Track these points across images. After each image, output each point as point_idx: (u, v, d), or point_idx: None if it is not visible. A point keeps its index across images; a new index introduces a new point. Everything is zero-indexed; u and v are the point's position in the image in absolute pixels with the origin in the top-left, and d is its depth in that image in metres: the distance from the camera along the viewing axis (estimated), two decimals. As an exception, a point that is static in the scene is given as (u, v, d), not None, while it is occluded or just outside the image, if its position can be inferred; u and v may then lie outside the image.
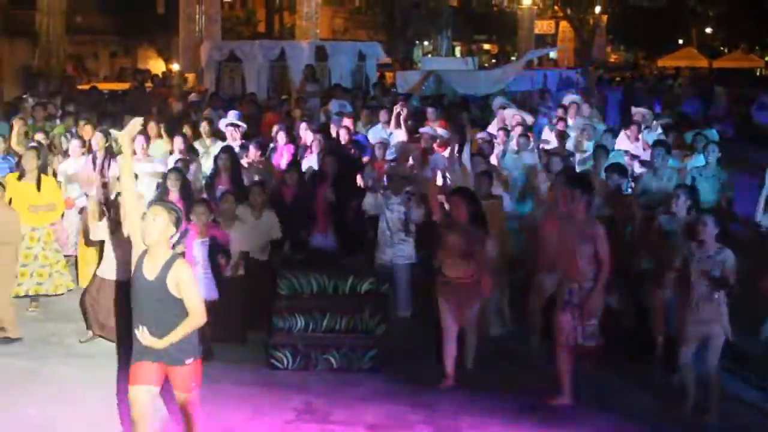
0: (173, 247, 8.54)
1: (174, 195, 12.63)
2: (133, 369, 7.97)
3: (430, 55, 47.63)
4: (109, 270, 11.71)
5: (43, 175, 13.12)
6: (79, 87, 25.21)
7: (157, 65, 40.23)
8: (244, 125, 16.92)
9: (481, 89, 26.14)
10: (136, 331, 7.82)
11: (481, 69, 34.39)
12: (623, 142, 17.23)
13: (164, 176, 13.32)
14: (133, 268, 7.92)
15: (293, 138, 17.07)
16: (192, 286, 7.82)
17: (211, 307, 11.39)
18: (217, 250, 11.54)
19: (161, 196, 12.64)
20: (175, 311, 7.78)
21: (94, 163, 14.52)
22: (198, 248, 11.39)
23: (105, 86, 28.96)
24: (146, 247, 7.81)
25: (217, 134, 16.94)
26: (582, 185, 10.33)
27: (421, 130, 16.67)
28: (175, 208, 7.96)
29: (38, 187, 12.98)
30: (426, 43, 52.98)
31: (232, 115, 17.45)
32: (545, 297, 11.36)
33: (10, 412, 9.78)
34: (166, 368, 7.96)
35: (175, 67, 34.83)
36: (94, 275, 12.15)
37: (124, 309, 8.62)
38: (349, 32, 49.79)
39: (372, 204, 13.23)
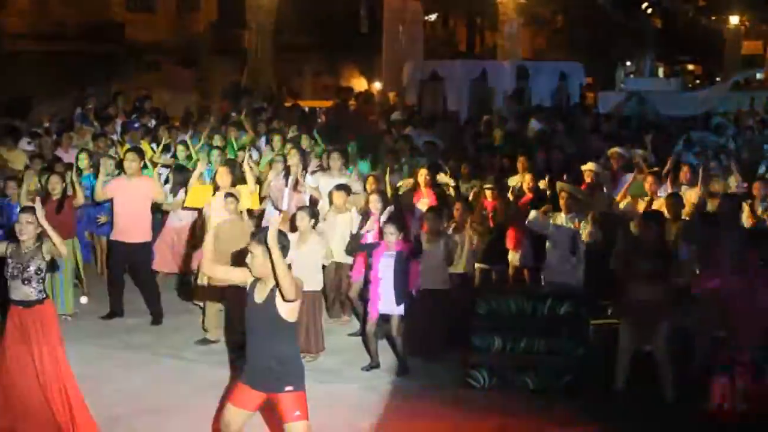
0: None
1: (375, 214, 12.70)
2: (236, 388, 8.12)
3: (632, 76, 46.91)
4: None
5: (236, 188, 13.39)
6: (286, 104, 25.75)
7: (359, 84, 40.81)
8: (441, 143, 17.03)
9: (684, 110, 25.61)
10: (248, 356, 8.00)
11: (684, 90, 33.70)
12: None
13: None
14: (247, 293, 8.00)
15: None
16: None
17: (403, 322, 11.51)
18: (407, 261, 11.65)
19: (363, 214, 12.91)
20: (282, 335, 7.85)
21: (286, 177, 14.77)
22: (384, 262, 11.52)
23: (308, 104, 29.57)
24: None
25: (417, 152, 17.11)
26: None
27: (614, 150, 16.34)
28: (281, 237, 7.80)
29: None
30: (628, 63, 52.21)
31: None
32: None
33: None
34: (267, 396, 7.97)
35: (377, 85, 35.29)
36: None
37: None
38: (550, 52, 49.46)
39: (535, 222, 13.01)
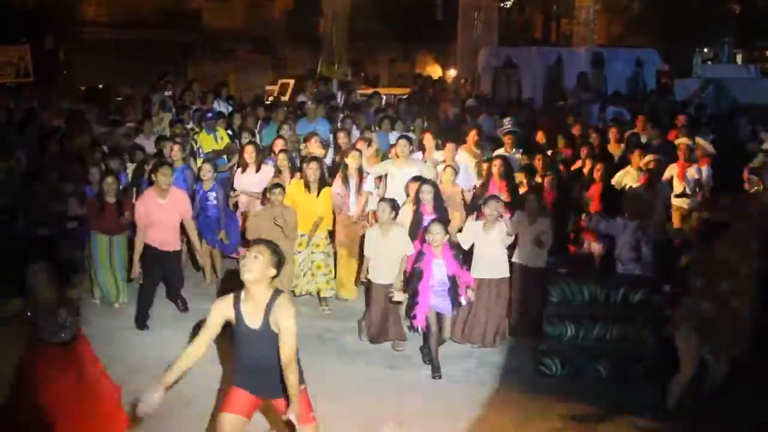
0: None
1: (428, 206, 12.49)
2: (230, 394, 7.70)
3: (709, 62, 46.30)
4: (377, 275, 12.00)
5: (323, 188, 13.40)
6: (360, 92, 25.67)
7: (434, 71, 40.80)
8: (519, 132, 16.89)
9: (763, 98, 25.17)
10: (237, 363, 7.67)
11: (763, 77, 33.16)
12: None
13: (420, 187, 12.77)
14: (232, 313, 7.50)
15: (572, 144, 16.96)
16: (291, 329, 7.30)
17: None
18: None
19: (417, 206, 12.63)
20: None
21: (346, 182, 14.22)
22: (437, 268, 11.10)
23: (385, 91, 29.58)
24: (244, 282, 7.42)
25: (492, 141, 17.02)
26: None
27: (677, 141, 16.10)
28: (279, 251, 7.50)
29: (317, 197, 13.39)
30: (706, 49, 51.55)
31: (507, 122, 17.47)
32: None
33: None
34: (270, 401, 7.73)
35: (452, 72, 35.25)
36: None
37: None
38: (626, 39, 49.02)
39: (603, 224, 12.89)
